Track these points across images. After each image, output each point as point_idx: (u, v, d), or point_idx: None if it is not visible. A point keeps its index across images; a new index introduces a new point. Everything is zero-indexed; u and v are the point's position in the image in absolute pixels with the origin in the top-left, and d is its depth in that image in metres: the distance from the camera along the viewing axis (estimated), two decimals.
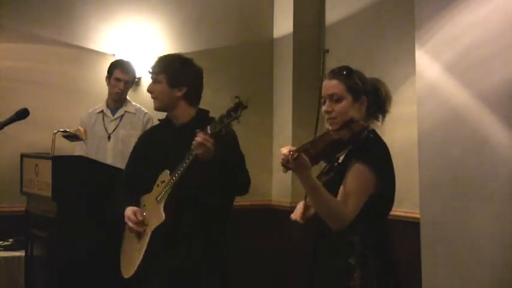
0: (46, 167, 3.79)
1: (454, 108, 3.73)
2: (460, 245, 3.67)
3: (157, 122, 3.47)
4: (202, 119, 3.23)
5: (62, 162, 3.79)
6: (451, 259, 3.72)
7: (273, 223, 5.54)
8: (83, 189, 3.70)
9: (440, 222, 3.79)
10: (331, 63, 2.77)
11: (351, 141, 2.59)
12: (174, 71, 3.24)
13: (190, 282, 3.16)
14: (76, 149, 4.66)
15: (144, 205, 3.25)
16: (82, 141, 4.50)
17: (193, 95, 3.30)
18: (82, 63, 5.25)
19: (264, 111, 5.69)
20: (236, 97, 2.88)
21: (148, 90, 3.31)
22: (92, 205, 3.65)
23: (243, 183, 3.24)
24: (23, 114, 3.37)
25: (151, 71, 3.31)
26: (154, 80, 3.28)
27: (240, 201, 5.82)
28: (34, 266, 4.10)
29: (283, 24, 5.64)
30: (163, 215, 3.06)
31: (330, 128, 2.65)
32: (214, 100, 5.48)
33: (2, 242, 4.62)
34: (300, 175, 2.45)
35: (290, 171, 2.47)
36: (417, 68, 3.98)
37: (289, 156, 2.39)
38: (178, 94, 3.25)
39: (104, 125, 4.67)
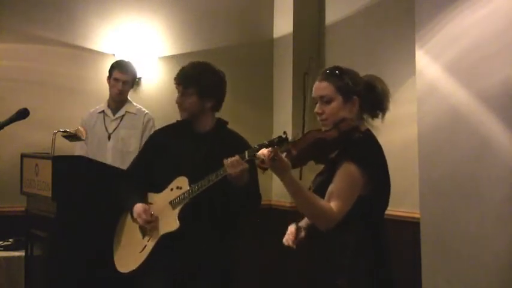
0: (46, 167, 3.79)
1: (454, 108, 3.73)
2: (460, 245, 3.67)
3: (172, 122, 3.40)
4: (222, 130, 3.29)
5: (62, 162, 3.79)
6: (451, 259, 3.72)
7: (273, 223, 5.53)
8: (83, 189, 3.70)
9: (440, 222, 3.79)
10: (331, 63, 2.77)
11: (342, 141, 2.56)
12: (205, 83, 3.24)
13: (189, 284, 3.17)
14: (76, 149, 4.66)
15: (151, 203, 3.26)
16: (82, 141, 4.50)
17: (219, 105, 3.32)
18: (82, 63, 5.24)
19: (264, 111, 5.68)
20: (284, 132, 2.68)
21: (178, 103, 3.27)
22: (91, 205, 3.65)
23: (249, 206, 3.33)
24: (23, 114, 3.37)
25: (179, 82, 3.26)
26: (183, 93, 3.24)
27: None
28: (34, 266, 4.10)
29: (283, 24, 5.63)
30: (178, 222, 3.08)
31: (323, 129, 2.63)
32: None
33: (2, 242, 4.62)
34: (279, 176, 2.46)
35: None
36: (417, 68, 3.98)
37: (265, 157, 2.39)
38: (208, 105, 3.26)
39: (105, 124, 4.67)
